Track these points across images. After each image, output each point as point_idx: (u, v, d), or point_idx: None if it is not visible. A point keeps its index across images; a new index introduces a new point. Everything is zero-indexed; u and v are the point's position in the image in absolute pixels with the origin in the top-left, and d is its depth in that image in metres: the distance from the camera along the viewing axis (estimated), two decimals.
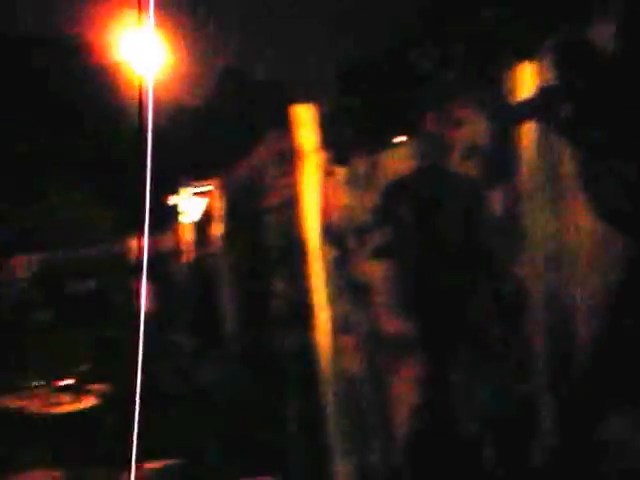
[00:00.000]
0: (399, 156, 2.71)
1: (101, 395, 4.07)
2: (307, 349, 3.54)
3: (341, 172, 3.10)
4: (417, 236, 2.65)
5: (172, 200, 7.49)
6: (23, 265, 8.77)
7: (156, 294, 6.09)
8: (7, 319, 7.06)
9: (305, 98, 3.31)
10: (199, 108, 10.50)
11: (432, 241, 2.58)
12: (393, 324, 2.74)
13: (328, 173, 3.17)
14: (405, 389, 2.56)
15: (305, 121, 3.20)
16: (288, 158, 3.40)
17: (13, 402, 3.99)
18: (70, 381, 4.20)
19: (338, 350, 3.12)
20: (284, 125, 3.29)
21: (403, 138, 2.77)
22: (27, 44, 8.87)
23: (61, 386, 4.18)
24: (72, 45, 9.33)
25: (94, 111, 8.91)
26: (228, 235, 5.28)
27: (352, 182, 3.04)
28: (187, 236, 6.91)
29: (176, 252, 7.06)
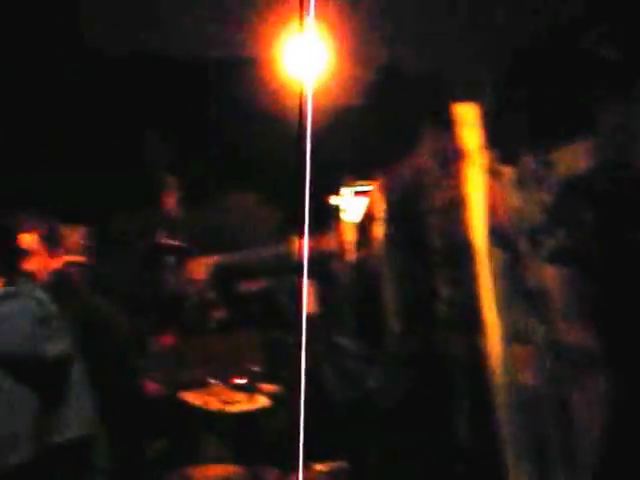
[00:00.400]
0: (575, 153, 2.49)
1: (271, 396, 4.20)
2: (475, 356, 3.40)
3: (509, 171, 2.94)
4: (598, 239, 2.42)
5: (333, 200, 7.60)
6: (201, 266, 9.38)
7: (319, 295, 6.20)
8: (188, 319, 7.58)
9: (468, 94, 3.18)
10: (359, 107, 10.60)
11: (615, 244, 2.34)
12: (574, 334, 2.53)
13: (494, 173, 3.01)
14: (591, 407, 2.34)
15: (468, 119, 3.07)
16: (451, 157, 3.29)
17: (193, 398, 4.23)
18: (243, 381, 4.38)
19: (510, 359, 2.96)
20: (446, 123, 3.19)
21: (579, 133, 2.54)
22: (191, 63, 9.49)
23: (236, 385, 4.37)
24: (233, 59, 9.83)
25: (258, 116, 9.32)
26: (390, 236, 5.24)
27: (522, 182, 2.86)
28: (349, 236, 6.97)
29: (338, 253, 7.16)
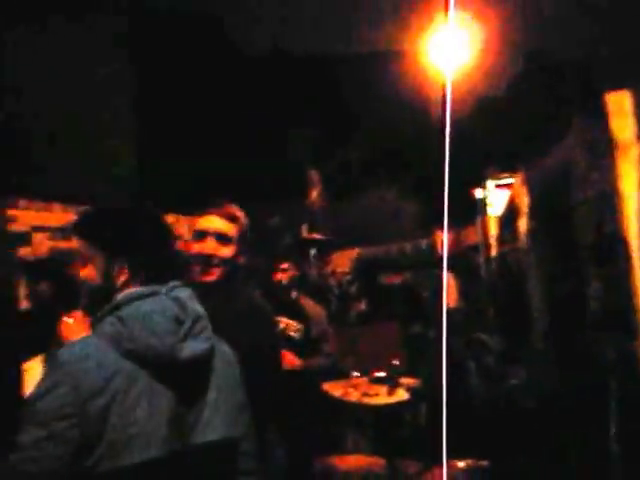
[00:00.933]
0: None
1: (411, 390, 4.20)
2: (627, 356, 3.22)
3: None
4: None
5: (477, 193, 7.44)
6: (343, 259, 9.57)
7: (461, 290, 6.11)
8: (333, 310, 7.76)
9: (621, 82, 2.99)
10: (503, 98, 10.23)
11: None
12: None
13: None
14: None
15: (621, 108, 2.90)
16: (601, 149, 3.12)
17: (334, 389, 4.34)
18: (383, 374, 4.42)
19: None
20: (597, 113, 3.03)
21: None
22: (332, 59, 9.64)
23: (376, 378, 4.42)
24: (376, 53, 9.89)
25: (401, 109, 9.30)
26: (534, 230, 5.06)
27: None
28: (492, 230, 6.79)
29: (481, 247, 7.00)
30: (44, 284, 4.56)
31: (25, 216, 7.12)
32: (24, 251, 7.02)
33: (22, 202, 7.18)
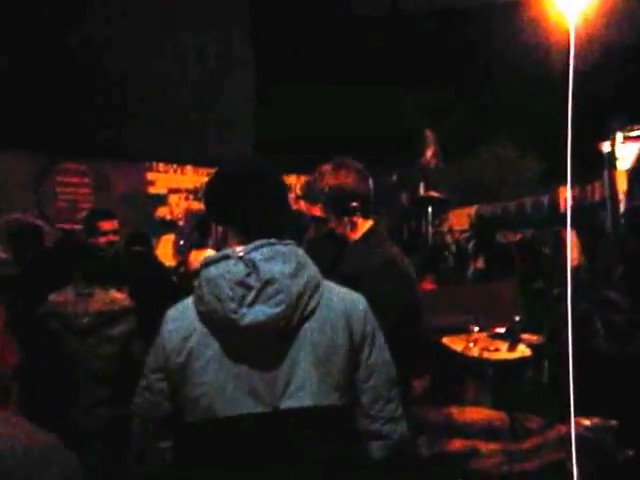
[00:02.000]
0: None
1: (533, 346, 4.18)
2: None
3: None
4: None
5: (604, 147, 7.10)
6: (461, 217, 9.49)
7: (585, 247, 5.92)
8: (450, 267, 7.75)
9: None
10: (628, 45, 9.56)
11: None
12: None
13: None
14: None
15: None
16: None
17: (454, 343, 4.38)
18: (503, 329, 4.42)
19: None
20: None
21: None
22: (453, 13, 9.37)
23: (496, 334, 4.43)
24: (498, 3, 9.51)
25: (522, 63, 8.96)
26: None
27: None
28: (620, 185, 6.49)
29: (608, 202, 6.71)
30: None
31: (162, 179, 7.63)
32: (162, 211, 7.55)
33: (160, 166, 7.68)
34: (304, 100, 8.06)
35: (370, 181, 2.33)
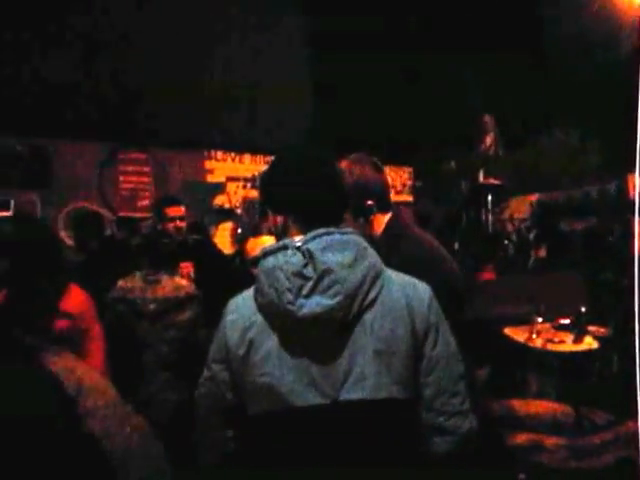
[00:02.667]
0: None
1: (600, 338, 4.06)
2: None
3: None
4: None
5: None
6: (522, 205, 9.27)
7: None
8: (509, 256, 7.59)
9: None
10: None
11: None
12: None
13: None
14: None
15: None
16: None
17: (516, 333, 4.29)
18: (566, 321, 4.30)
19: None
20: None
21: None
22: None
23: (561, 325, 4.31)
24: None
25: (589, 49, 8.65)
26: None
27: None
28: None
29: None
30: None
31: (221, 168, 7.72)
32: (220, 199, 7.65)
33: (219, 154, 7.78)
34: (360, 89, 7.99)
35: (385, 173, 2.32)
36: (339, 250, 1.52)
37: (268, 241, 2.55)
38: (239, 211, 7.73)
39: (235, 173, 7.89)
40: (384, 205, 2.28)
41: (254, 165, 8.09)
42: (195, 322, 3.21)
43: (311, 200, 1.60)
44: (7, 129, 6.37)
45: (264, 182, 1.71)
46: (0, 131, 6.34)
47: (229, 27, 7.85)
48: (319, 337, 1.52)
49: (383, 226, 2.27)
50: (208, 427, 1.67)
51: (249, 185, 8.02)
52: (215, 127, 7.59)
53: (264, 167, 8.17)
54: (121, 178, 7.23)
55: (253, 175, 8.04)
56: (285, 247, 1.54)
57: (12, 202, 5.85)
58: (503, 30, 8.29)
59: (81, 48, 6.74)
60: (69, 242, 6.28)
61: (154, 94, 7.14)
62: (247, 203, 7.86)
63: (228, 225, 7.37)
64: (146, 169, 7.41)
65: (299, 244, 1.53)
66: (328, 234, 1.55)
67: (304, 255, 1.51)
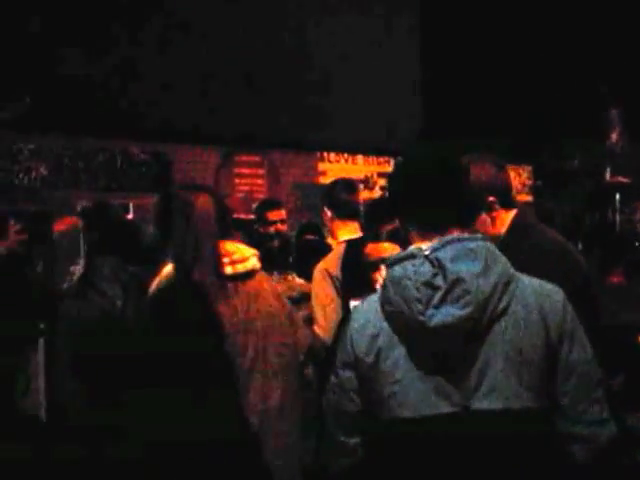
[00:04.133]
0: None
1: None
2: None
3: None
4: None
5: None
6: None
7: None
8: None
9: None
10: None
11: None
12: None
13: None
14: None
15: None
16: None
17: None
18: None
19: None
20: None
21: None
22: None
23: None
24: None
25: None
26: None
27: None
28: None
29: None
30: None
31: (333, 169, 7.78)
32: None
33: (331, 156, 7.83)
34: (474, 83, 7.75)
35: (507, 171, 2.32)
36: (469, 258, 1.50)
37: (389, 248, 2.51)
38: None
39: (347, 174, 7.89)
40: (507, 202, 2.26)
41: (366, 166, 8.08)
42: (310, 320, 3.20)
43: (437, 205, 1.58)
44: (129, 136, 6.73)
45: (393, 189, 1.73)
46: (122, 139, 6.72)
47: (340, 35, 7.89)
48: (450, 346, 1.52)
49: (508, 224, 2.25)
50: (338, 433, 1.68)
51: (362, 186, 8.02)
52: (327, 129, 7.63)
53: (376, 168, 8.15)
54: (236, 181, 7.44)
55: (365, 176, 8.03)
56: (413, 256, 1.52)
57: (131, 205, 6.21)
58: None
59: (200, 56, 6.98)
60: None
61: (267, 99, 7.28)
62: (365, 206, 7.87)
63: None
64: (260, 171, 7.59)
65: (427, 252, 1.51)
66: (457, 241, 1.52)
67: (433, 264, 1.49)
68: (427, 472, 1.51)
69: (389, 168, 8.14)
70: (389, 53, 8.16)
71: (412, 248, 1.56)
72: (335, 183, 3.57)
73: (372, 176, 8.11)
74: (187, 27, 6.95)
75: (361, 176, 7.96)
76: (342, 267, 3.10)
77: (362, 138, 7.84)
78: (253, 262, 2.29)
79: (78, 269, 4.42)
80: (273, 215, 4.35)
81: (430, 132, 7.95)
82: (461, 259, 1.49)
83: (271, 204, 4.54)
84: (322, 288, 3.11)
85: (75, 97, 6.29)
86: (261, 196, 7.44)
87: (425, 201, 1.59)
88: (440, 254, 1.50)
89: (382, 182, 8.13)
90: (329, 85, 7.75)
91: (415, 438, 1.52)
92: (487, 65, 7.61)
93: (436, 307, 1.47)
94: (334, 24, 7.83)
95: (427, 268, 1.49)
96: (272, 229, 4.28)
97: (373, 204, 3.72)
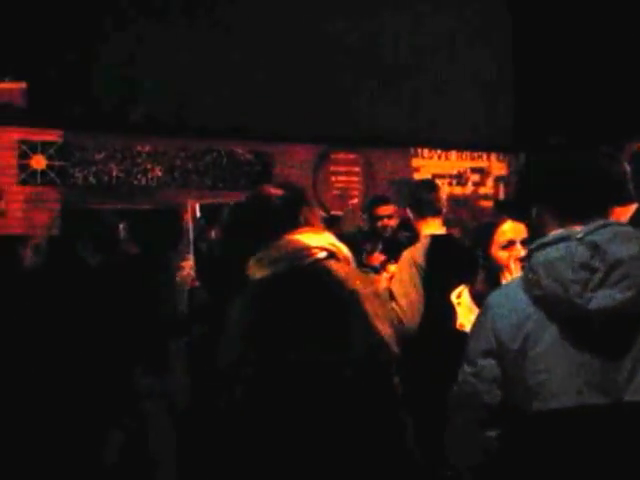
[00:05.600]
0: None
1: None
2: None
3: None
4: None
5: None
6: None
7: None
8: None
9: None
10: None
11: None
12: None
13: None
14: None
15: None
16: None
17: None
18: None
19: None
20: None
21: None
22: None
23: None
24: None
25: None
26: None
27: None
28: None
29: None
30: None
31: (427, 165, 7.87)
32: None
33: (425, 152, 7.93)
34: (567, 77, 7.55)
35: (623, 164, 2.22)
36: (625, 242, 1.46)
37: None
38: (444, 209, 7.78)
39: (441, 170, 7.97)
40: (625, 196, 2.19)
41: (459, 162, 8.09)
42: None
43: (579, 190, 1.57)
44: (234, 137, 7.15)
45: (531, 173, 1.75)
46: (228, 139, 7.13)
47: (429, 29, 7.91)
48: (604, 332, 1.46)
49: (627, 217, 2.17)
50: (472, 427, 1.62)
51: (455, 182, 8.06)
52: (421, 125, 7.72)
53: (470, 164, 8.15)
54: (332, 178, 7.65)
55: (458, 172, 8.05)
56: (564, 239, 1.49)
57: (231, 204, 6.57)
58: None
59: (296, 59, 7.26)
60: None
61: (360, 98, 7.46)
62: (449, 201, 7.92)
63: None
64: (355, 169, 7.74)
65: (580, 235, 1.48)
66: (609, 225, 1.50)
67: (588, 247, 1.45)
68: (576, 468, 1.45)
69: (482, 163, 8.18)
70: (481, 47, 8.11)
71: (562, 231, 1.52)
72: (416, 184, 3.72)
73: (465, 172, 8.13)
74: (281, 32, 7.23)
75: (454, 172, 8.02)
76: (426, 260, 3.25)
77: (455, 134, 7.87)
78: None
79: (189, 264, 4.84)
80: (381, 210, 4.62)
81: (522, 127, 7.87)
82: (617, 242, 1.45)
83: (380, 200, 4.79)
84: (407, 274, 3.25)
85: (187, 103, 6.81)
86: (356, 193, 7.66)
87: (572, 188, 1.58)
88: (595, 237, 1.46)
89: (475, 178, 8.15)
90: (421, 82, 7.82)
91: (563, 431, 1.46)
92: (580, 59, 7.43)
93: (593, 290, 1.42)
94: (419, 18, 7.87)
95: (583, 250, 1.45)
96: (380, 224, 4.54)
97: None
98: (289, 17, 7.21)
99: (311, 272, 1.83)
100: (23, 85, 6.33)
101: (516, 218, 2.64)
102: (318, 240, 1.88)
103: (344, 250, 1.97)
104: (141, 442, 3.59)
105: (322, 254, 1.87)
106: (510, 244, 2.61)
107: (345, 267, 1.92)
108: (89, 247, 3.49)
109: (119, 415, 3.45)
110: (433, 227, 3.55)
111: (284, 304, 1.78)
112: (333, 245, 1.92)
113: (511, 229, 2.67)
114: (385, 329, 1.84)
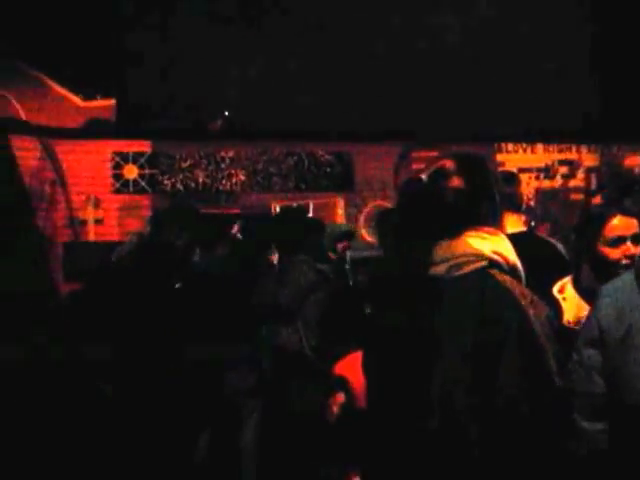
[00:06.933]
0: None
1: None
2: None
3: None
4: None
5: None
6: None
7: None
8: None
9: None
10: None
11: None
12: None
13: None
14: None
15: None
16: None
17: None
18: None
19: None
20: None
21: None
22: None
23: None
24: None
25: None
26: None
27: None
28: None
29: None
30: None
31: (512, 159, 7.67)
32: (509, 191, 7.58)
33: (509, 146, 7.75)
34: None
35: None
36: None
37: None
38: (532, 203, 7.56)
39: (527, 164, 7.75)
40: None
41: (547, 155, 7.84)
42: None
43: None
44: (314, 138, 7.25)
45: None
46: (309, 140, 7.24)
47: (511, 18, 7.73)
48: None
49: None
50: (577, 418, 1.57)
51: (542, 176, 7.81)
52: (504, 119, 7.54)
53: (557, 156, 7.87)
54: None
55: (546, 165, 7.81)
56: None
57: (311, 205, 6.72)
58: None
59: (374, 58, 7.27)
60: (369, 239, 6.89)
61: (437, 95, 7.37)
62: (540, 194, 7.67)
63: (514, 216, 7.25)
64: None
65: None
66: None
67: None
68: None
69: (571, 155, 7.87)
70: (565, 37, 7.84)
71: None
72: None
73: (553, 164, 7.86)
74: (349, 33, 7.27)
75: (541, 165, 7.76)
76: None
77: (539, 126, 7.64)
78: None
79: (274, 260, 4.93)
80: None
81: (608, 117, 7.57)
82: None
83: None
84: None
85: (263, 110, 6.95)
86: None
87: None
88: None
89: (563, 170, 7.85)
90: (502, 74, 7.64)
91: None
92: None
93: None
94: (503, 5, 7.72)
95: None
96: None
97: None
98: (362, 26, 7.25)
99: (460, 283, 1.57)
100: (112, 102, 6.76)
101: (628, 213, 2.51)
102: (482, 244, 1.61)
103: (511, 258, 1.66)
104: (229, 438, 3.67)
105: (482, 263, 1.59)
106: (620, 240, 2.39)
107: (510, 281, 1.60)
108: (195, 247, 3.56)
109: (211, 415, 3.51)
110: (511, 223, 3.38)
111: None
112: (497, 253, 1.63)
113: (622, 224, 2.53)
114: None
